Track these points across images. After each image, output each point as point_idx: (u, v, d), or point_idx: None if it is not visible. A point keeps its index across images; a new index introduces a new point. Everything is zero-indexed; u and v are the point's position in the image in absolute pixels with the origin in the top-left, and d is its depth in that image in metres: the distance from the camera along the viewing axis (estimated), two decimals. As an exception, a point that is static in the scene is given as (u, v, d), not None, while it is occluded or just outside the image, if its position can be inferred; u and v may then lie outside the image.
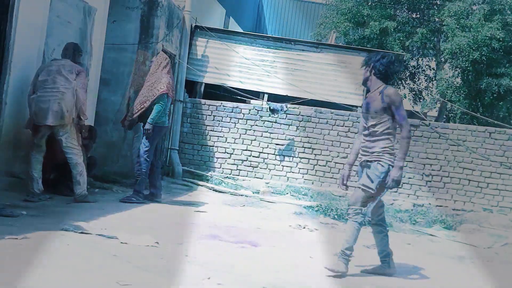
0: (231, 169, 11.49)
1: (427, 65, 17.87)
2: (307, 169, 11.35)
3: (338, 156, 11.27)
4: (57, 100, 6.71)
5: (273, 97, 12.01)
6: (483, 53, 14.42)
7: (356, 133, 11.25)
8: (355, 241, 5.10)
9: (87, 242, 4.85)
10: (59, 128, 6.81)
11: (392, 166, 5.09)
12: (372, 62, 5.23)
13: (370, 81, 5.28)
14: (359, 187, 5.22)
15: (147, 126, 7.70)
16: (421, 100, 17.70)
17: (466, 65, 15.27)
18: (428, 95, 17.57)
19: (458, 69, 16.22)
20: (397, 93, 5.18)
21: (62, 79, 6.75)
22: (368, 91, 5.49)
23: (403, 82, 17.57)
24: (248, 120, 11.55)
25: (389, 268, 5.36)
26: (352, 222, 5.14)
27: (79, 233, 5.12)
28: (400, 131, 5.13)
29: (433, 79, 17.29)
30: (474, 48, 14.35)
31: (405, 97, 17.91)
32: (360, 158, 5.34)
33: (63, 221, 5.47)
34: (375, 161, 5.13)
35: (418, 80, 17.92)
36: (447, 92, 15.69)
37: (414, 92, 17.79)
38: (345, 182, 5.55)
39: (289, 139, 11.41)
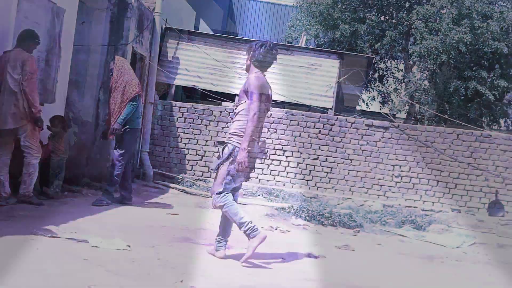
0: (203, 171, 11.46)
1: (396, 67, 18.09)
2: (279, 171, 11.39)
3: (309, 158, 11.34)
4: (13, 102, 6.61)
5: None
6: (451, 56, 14.66)
7: (316, 134, 11.36)
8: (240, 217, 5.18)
9: (57, 246, 4.78)
10: (19, 128, 6.72)
11: (236, 147, 5.19)
12: (251, 50, 5.41)
13: (249, 68, 5.48)
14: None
15: (116, 125, 7.66)
16: (390, 102, 17.89)
17: (435, 67, 15.52)
18: (396, 97, 17.78)
19: (426, 71, 16.47)
20: (255, 79, 5.30)
21: (9, 77, 6.62)
22: None
23: (372, 84, 17.76)
24: (219, 122, 11.53)
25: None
26: (222, 210, 5.32)
27: (49, 237, 5.04)
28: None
29: (402, 81, 17.52)
30: (442, 51, 14.57)
31: (374, 99, 18.11)
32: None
33: (32, 225, 5.38)
34: (227, 142, 5.30)
35: (387, 82, 18.12)
36: (415, 94, 15.90)
37: (383, 94, 17.98)
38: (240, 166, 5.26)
39: (260, 141, 11.42)
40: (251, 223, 5.13)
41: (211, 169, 5.25)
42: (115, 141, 7.97)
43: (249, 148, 5.15)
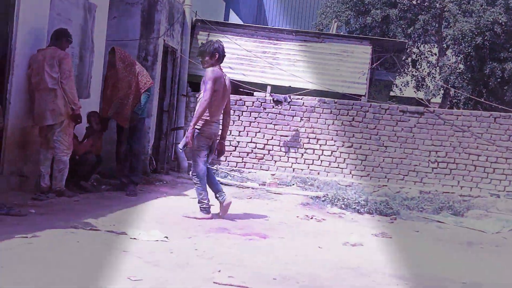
0: (237, 162, 11.49)
1: (429, 51, 17.79)
2: (313, 160, 11.35)
3: (343, 146, 11.26)
4: (51, 99, 6.74)
5: (277, 89, 11.99)
6: (486, 38, 14.35)
7: (349, 121, 11.26)
8: (201, 195, 6.59)
9: (97, 238, 4.86)
10: (56, 124, 6.85)
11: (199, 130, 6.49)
12: (205, 48, 6.67)
13: (205, 64, 6.68)
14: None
15: (134, 117, 7.92)
16: (424, 87, 17.63)
17: (469, 50, 15.21)
18: (431, 81, 17.50)
19: (461, 54, 16.16)
20: (210, 72, 6.51)
21: (46, 76, 6.74)
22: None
23: (405, 69, 17.51)
24: (252, 112, 11.54)
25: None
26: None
27: (89, 229, 5.13)
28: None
29: (436, 66, 17.22)
30: (476, 33, 14.27)
31: (408, 85, 17.86)
32: None
33: (71, 219, 5.49)
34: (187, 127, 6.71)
35: (421, 67, 17.84)
36: (450, 78, 15.63)
37: (417, 79, 17.72)
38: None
39: (294, 130, 11.40)
40: (208, 204, 6.61)
41: (180, 149, 6.78)
42: (131, 131, 8.07)
43: (197, 126, 6.44)
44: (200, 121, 6.49)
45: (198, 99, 6.64)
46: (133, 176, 8.06)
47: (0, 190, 6.48)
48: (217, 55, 6.65)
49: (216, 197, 6.79)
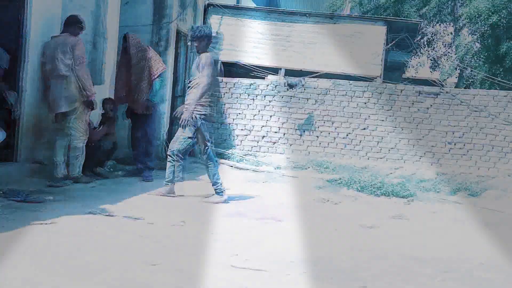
0: (252, 146, 11.49)
1: (444, 31, 17.58)
2: (328, 142, 11.30)
3: (358, 128, 11.20)
4: (65, 86, 6.76)
5: (290, 72, 11.93)
6: (502, 16, 14.12)
7: (365, 103, 11.18)
8: (174, 173, 6.67)
9: (115, 224, 4.89)
10: (70, 111, 6.88)
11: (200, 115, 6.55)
12: (200, 33, 6.63)
13: (200, 48, 6.67)
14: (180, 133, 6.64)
15: (149, 104, 7.93)
16: (439, 67, 17.44)
17: (485, 29, 14.99)
18: (446, 61, 17.31)
19: (476, 33, 15.94)
20: (207, 58, 6.58)
21: (60, 63, 6.75)
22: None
23: (420, 49, 17.31)
24: (266, 96, 11.50)
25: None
26: (174, 160, 6.67)
27: (106, 215, 5.16)
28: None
29: (452, 45, 17.01)
30: (492, 11, 14.04)
31: (423, 65, 17.68)
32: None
33: (88, 205, 5.53)
34: (185, 109, 6.60)
35: (436, 46, 17.64)
36: (466, 58, 15.45)
37: (432, 59, 17.53)
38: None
39: (308, 113, 11.35)
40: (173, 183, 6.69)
41: (181, 134, 6.66)
42: (145, 117, 8.08)
43: (200, 112, 6.52)
44: (199, 106, 6.55)
45: (192, 84, 6.63)
46: (149, 161, 8.09)
47: (16, 177, 6.54)
48: (210, 40, 6.78)
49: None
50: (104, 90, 8.45)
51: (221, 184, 6.71)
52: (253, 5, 16.94)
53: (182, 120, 6.53)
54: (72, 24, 6.97)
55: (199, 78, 6.53)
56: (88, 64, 7.44)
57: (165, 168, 7.60)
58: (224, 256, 4.14)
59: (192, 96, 6.56)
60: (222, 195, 6.65)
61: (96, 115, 7.93)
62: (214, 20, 12.16)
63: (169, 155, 6.74)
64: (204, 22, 11.97)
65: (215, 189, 6.67)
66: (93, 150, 7.63)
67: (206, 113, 6.62)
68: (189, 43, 6.85)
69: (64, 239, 4.22)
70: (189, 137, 6.60)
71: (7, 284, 3.12)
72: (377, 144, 11.18)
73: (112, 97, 8.47)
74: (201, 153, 6.91)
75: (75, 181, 6.95)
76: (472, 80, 17.14)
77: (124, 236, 4.48)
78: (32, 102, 6.97)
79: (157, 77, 8.01)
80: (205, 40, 6.66)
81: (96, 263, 3.67)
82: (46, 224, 4.59)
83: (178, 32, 10.68)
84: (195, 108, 6.50)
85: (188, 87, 6.73)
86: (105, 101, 8.02)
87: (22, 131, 6.84)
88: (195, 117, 6.51)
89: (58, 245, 4.01)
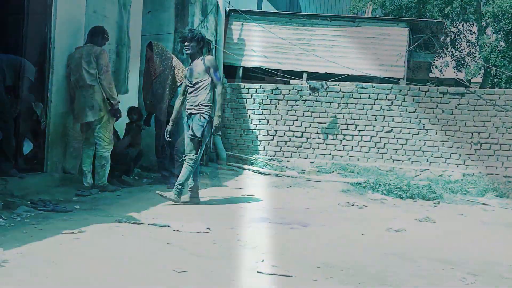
0: (275, 151, 11.49)
1: (468, 30, 17.39)
2: (352, 146, 11.25)
3: (382, 131, 11.13)
4: (90, 95, 6.85)
5: (313, 76, 11.91)
6: (527, 13, 13.93)
7: (388, 105, 11.08)
8: (188, 179, 6.56)
9: (141, 232, 4.93)
10: (96, 120, 6.97)
11: (209, 116, 6.56)
12: (199, 39, 6.63)
13: (192, 50, 6.65)
14: (189, 137, 6.57)
15: (171, 110, 8.00)
16: (464, 67, 17.25)
17: (510, 27, 14.79)
18: (471, 61, 17.11)
19: (501, 32, 15.74)
20: (213, 60, 6.74)
21: (85, 73, 6.84)
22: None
23: (444, 49, 17.14)
24: (288, 101, 11.50)
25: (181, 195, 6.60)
26: (186, 165, 6.55)
27: (132, 223, 5.21)
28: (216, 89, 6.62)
29: (476, 45, 16.82)
30: (517, 9, 13.86)
31: (447, 65, 17.50)
32: (187, 111, 6.69)
33: (115, 213, 5.59)
34: (197, 113, 6.54)
35: (460, 46, 17.46)
36: (490, 57, 15.25)
37: (456, 59, 17.34)
38: (169, 135, 6.88)
39: (332, 117, 11.32)
40: (183, 189, 6.56)
41: (195, 137, 6.54)
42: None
43: (207, 114, 6.55)
44: (208, 108, 6.58)
45: (199, 86, 6.58)
46: (174, 168, 8.14)
47: (44, 187, 6.64)
48: (205, 44, 6.89)
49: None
50: (129, 99, 8.54)
51: (184, 187, 6.58)
52: (274, 10, 16.98)
53: (217, 129, 6.62)
54: (97, 35, 7.07)
55: (214, 83, 6.59)
56: (112, 74, 7.54)
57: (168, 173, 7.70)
58: (250, 262, 4.14)
59: (202, 98, 6.55)
60: (177, 195, 6.52)
61: (121, 124, 8.01)
62: (235, 26, 12.22)
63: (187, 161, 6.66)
64: (226, 29, 12.03)
65: (178, 188, 6.52)
66: (119, 158, 7.71)
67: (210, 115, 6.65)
68: (187, 43, 6.62)
69: (92, 247, 4.27)
70: (201, 140, 6.57)
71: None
72: (402, 146, 11.09)
73: (137, 105, 8.55)
74: (191, 152, 6.60)
75: (102, 189, 7.04)
76: (498, 79, 16.91)
77: (150, 244, 4.52)
78: (59, 112, 7.08)
79: (180, 84, 8.07)
80: (201, 43, 6.68)
81: (124, 271, 3.71)
82: (74, 233, 4.66)
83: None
84: (207, 110, 6.56)
85: (194, 88, 6.62)
86: (130, 110, 8.11)
87: (49, 141, 6.95)
88: (204, 117, 6.54)
89: (87, 254, 4.06)
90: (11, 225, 4.88)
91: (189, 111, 6.63)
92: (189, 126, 6.61)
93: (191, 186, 6.71)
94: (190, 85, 6.67)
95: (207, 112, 6.55)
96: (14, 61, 6.79)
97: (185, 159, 6.59)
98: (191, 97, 6.64)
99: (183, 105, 6.88)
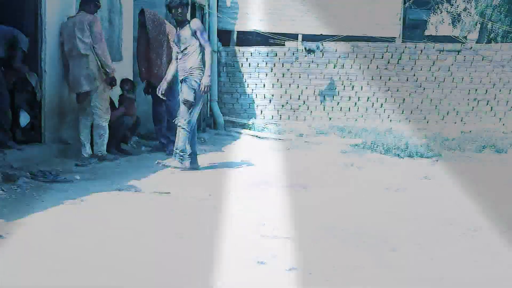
0: (272, 115, 11.47)
1: (464, -15, 17.17)
2: (349, 107, 11.24)
3: (379, 90, 11.09)
4: (84, 65, 6.78)
5: (309, 37, 11.80)
6: (523, -34, 13.73)
7: (385, 64, 11.02)
8: (185, 144, 6.54)
9: (142, 200, 4.96)
10: (92, 90, 6.92)
11: (201, 79, 6.48)
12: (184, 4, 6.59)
13: (184, 16, 6.64)
14: (183, 102, 6.54)
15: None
16: (460, 23, 17.09)
17: (506, -19, 14.60)
18: (467, 17, 16.94)
19: (497, -14, 15.54)
20: (199, 23, 6.67)
21: (78, 42, 6.75)
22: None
23: (440, 6, 16.96)
24: (284, 63, 11.42)
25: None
26: (182, 129, 6.55)
27: (133, 191, 5.23)
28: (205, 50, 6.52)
29: (471, 0, 16.63)
30: (513, -38, 13.66)
31: (443, 22, 17.34)
32: (180, 77, 6.65)
33: (116, 182, 5.60)
34: (189, 76, 6.52)
35: (456, 2, 17.26)
36: (486, 12, 15.10)
37: (452, 16, 17.17)
38: (162, 92, 6.86)
39: (328, 78, 11.26)
40: (187, 154, 6.58)
41: (187, 101, 6.51)
42: (166, 91, 8.07)
43: (198, 78, 6.49)
44: (199, 71, 6.52)
45: (188, 51, 6.52)
46: (172, 135, 8.12)
47: (43, 158, 6.63)
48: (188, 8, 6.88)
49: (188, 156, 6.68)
50: (123, 67, 8.46)
51: (185, 153, 6.59)
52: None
53: (205, 87, 6.46)
54: (88, 2, 6.96)
55: (201, 45, 6.49)
56: (106, 41, 7.45)
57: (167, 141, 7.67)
58: (252, 226, 4.17)
59: (191, 62, 6.50)
60: (180, 161, 6.58)
61: (115, 95, 7.96)
62: (228, -11, 12.05)
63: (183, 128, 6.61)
64: (218, -8, 11.87)
65: (180, 154, 6.56)
66: (115, 127, 7.68)
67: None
68: (178, 9, 6.54)
69: (94, 215, 4.30)
70: (194, 104, 6.53)
71: (42, 262, 3.19)
72: (399, 106, 11.08)
73: (132, 74, 8.48)
74: (183, 117, 6.57)
75: (101, 159, 7.03)
76: (494, 34, 16.78)
77: (152, 211, 4.55)
78: (54, 83, 7.02)
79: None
80: (187, 7, 6.66)
81: (127, 237, 3.73)
82: (76, 202, 4.67)
83: (193, 3, 10.60)
84: (198, 73, 6.51)
85: (183, 53, 6.55)
86: (123, 82, 8.03)
87: (45, 112, 6.91)
88: (195, 81, 6.50)
89: (89, 222, 4.09)
90: (12, 197, 4.90)
91: (181, 77, 6.62)
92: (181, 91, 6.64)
93: (189, 153, 6.71)
94: (179, 50, 6.64)
95: (198, 75, 6.51)
96: (6, 32, 6.70)
97: (178, 124, 6.59)
98: (181, 62, 6.61)
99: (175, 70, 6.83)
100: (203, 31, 6.62)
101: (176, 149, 6.59)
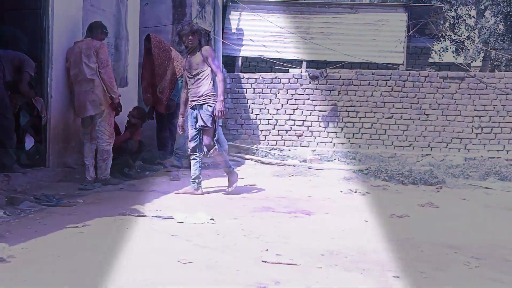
0: (276, 140, 11.49)
1: (467, 14, 17.31)
2: (353, 133, 11.26)
3: (383, 117, 11.12)
4: (91, 90, 6.84)
5: (313, 64, 11.89)
6: (525, -5, 13.86)
7: (389, 91, 11.06)
8: (229, 165, 6.88)
9: (145, 224, 4.95)
10: (97, 114, 6.97)
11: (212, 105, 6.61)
12: (197, 31, 6.68)
13: (194, 43, 6.69)
14: (202, 127, 6.63)
15: (171, 101, 7.96)
16: (463, 51, 17.19)
17: (508, 10, 14.73)
18: (470, 45, 17.06)
19: (499, 15, 15.68)
20: (211, 50, 6.78)
21: (85, 67, 6.83)
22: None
23: (443, 34, 17.08)
24: (288, 90, 11.49)
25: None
26: (215, 156, 6.75)
27: (136, 216, 5.23)
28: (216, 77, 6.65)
29: (475, 28, 16.76)
30: (515, -9, 13.80)
31: (447, 50, 17.45)
32: (190, 103, 6.72)
33: (119, 206, 5.60)
34: (203, 104, 6.61)
35: (459, 30, 17.39)
36: (490, 40, 15.21)
37: (455, 44, 17.28)
38: (180, 129, 6.96)
39: (332, 105, 11.31)
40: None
41: (207, 127, 6.61)
42: (170, 117, 8.14)
43: (213, 104, 6.61)
44: (213, 97, 6.65)
45: (201, 76, 6.63)
46: (175, 160, 8.16)
47: (47, 182, 6.66)
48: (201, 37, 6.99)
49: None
50: (129, 92, 8.54)
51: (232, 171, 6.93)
52: (271, -1, 16.91)
53: (219, 112, 6.55)
54: (95, 30, 7.05)
55: (214, 72, 6.64)
56: (112, 67, 7.53)
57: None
58: (255, 252, 4.16)
59: (205, 88, 6.61)
60: (199, 187, 6.79)
61: (122, 118, 8.01)
62: (233, 16, 12.18)
63: (193, 153, 6.75)
64: (224, 19, 11.99)
65: (197, 182, 6.77)
66: (119, 152, 7.72)
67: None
68: (190, 37, 6.61)
69: (97, 240, 4.29)
70: (213, 128, 6.67)
71: (45, 287, 3.19)
72: (403, 132, 11.10)
73: (137, 99, 8.55)
74: (210, 144, 6.69)
75: (104, 183, 7.05)
76: (497, 62, 16.87)
77: (155, 236, 4.54)
78: (59, 107, 7.08)
79: (179, 76, 8.07)
80: (197, 35, 6.73)
81: (129, 263, 3.73)
82: (79, 227, 4.67)
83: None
84: (213, 100, 6.64)
85: (195, 79, 6.65)
86: (134, 109, 8.12)
87: (51, 136, 6.96)
88: (210, 106, 6.61)
89: (92, 247, 4.08)
90: (15, 221, 4.90)
91: (193, 103, 6.67)
92: (194, 118, 6.66)
93: (193, 177, 6.74)
94: (190, 76, 6.71)
95: (213, 101, 6.61)
96: (13, 56, 6.79)
97: (211, 155, 6.72)
98: (193, 88, 6.68)
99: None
100: (215, 58, 6.75)
101: (227, 169, 6.86)
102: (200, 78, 6.65)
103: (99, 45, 6.92)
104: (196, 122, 6.65)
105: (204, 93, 6.61)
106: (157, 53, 8.06)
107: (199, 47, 6.76)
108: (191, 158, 6.81)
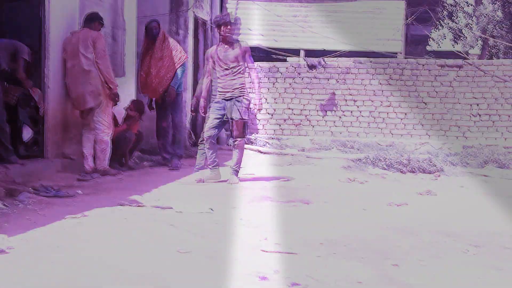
0: (274, 129, 11.49)
1: (465, 1, 17.23)
2: (351, 122, 11.25)
3: (381, 105, 11.11)
4: (89, 81, 6.82)
5: (311, 53, 11.86)
6: (524, -18, 13.80)
7: (387, 80, 11.04)
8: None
9: (144, 214, 4.95)
10: (96, 105, 6.95)
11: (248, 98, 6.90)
12: (235, 24, 6.70)
13: (232, 32, 6.98)
14: (237, 120, 6.78)
15: (171, 90, 7.95)
16: (461, 39, 17.14)
17: (507, -3, 14.67)
18: (468, 32, 17.00)
19: (498, 2, 15.61)
20: (247, 46, 6.93)
21: (82, 57, 6.80)
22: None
23: (441, 22, 17.02)
24: (286, 79, 11.46)
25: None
26: (239, 149, 6.93)
27: (135, 206, 5.23)
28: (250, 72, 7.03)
29: (473, 16, 16.69)
30: (514, -22, 13.74)
31: (445, 38, 17.39)
32: (222, 94, 6.84)
33: (118, 196, 5.61)
34: (239, 96, 6.79)
35: (457, 18, 17.32)
36: (488, 28, 15.16)
37: (453, 31, 17.22)
38: (203, 110, 7.14)
39: (330, 93, 11.29)
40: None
41: (243, 119, 6.82)
42: (171, 106, 8.12)
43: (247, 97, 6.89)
44: (247, 91, 6.94)
45: (235, 71, 6.81)
46: (177, 149, 8.16)
47: (46, 173, 6.65)
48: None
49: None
50: (126, 82, 8.51)
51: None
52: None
53: (260, 106, 7.04)
54: (92, 20, 7.02)
55: (248, 68, 7.00)
56: (109, 57, 7.50)
57: (193, 156, 7.66)
58: (253, 241, 4.16)
59: (240, 82, 6.82)
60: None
61: (121, 111, 7.99)
62: (230, 5, 12.12)
63: (209, 139, 6.88)
64: (221, 7, 11.94)
65: (238, 168, 7.03)
66: (118, 142, 7.71)
67: None
68: (227, 26, 6.71)
69: (96, 231, 4.29)
70: (248, 120, 7.08)
71: (44, 277, 3.19)
72: (401, 120, 11.10)
73: (134, 89, 8.53)
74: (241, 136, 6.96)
75: (103, 173, 7.05)
76: (496, 50, 16.84)
77: (154, 226, 4.54)
78: (57, 98, 7.06)
79: (179, 66, 8.05)
80: (234, 26, 7.12)
81: (128, 253, 3.73)
82: (77, 217, 4.67)
83: (196, 20, 10.67)
84: (248, 93, 6.97)
85: (232, 71, 6.80)
86: (132, 102, 8.11)
87: (48, 127, 6.94)
88: (247, 99, 6.90)
89: (91, 238, 4.08)
90: (14, 212, 4.90)
91: (227, 94, 6.82)
92: (222, 109, 6.80)
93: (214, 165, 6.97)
94: (226, 67, 6.84)
95: (248, 94, 6.92)
96: (7, 44, 6.75)
97: (234, 144, 6.94)
98: (227, 80, 6.84)
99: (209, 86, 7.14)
100: (251, 56, 6.98)
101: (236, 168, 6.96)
102: (237, 71, 6.82)
103: (96, 35, 6.89)
104: (222, 111, 6.80)
105: (240, 86, 6.82)
106: (158, 43, 8.05)
107: (237, 40, 6.98)
108: (202, 147, 7.10)
